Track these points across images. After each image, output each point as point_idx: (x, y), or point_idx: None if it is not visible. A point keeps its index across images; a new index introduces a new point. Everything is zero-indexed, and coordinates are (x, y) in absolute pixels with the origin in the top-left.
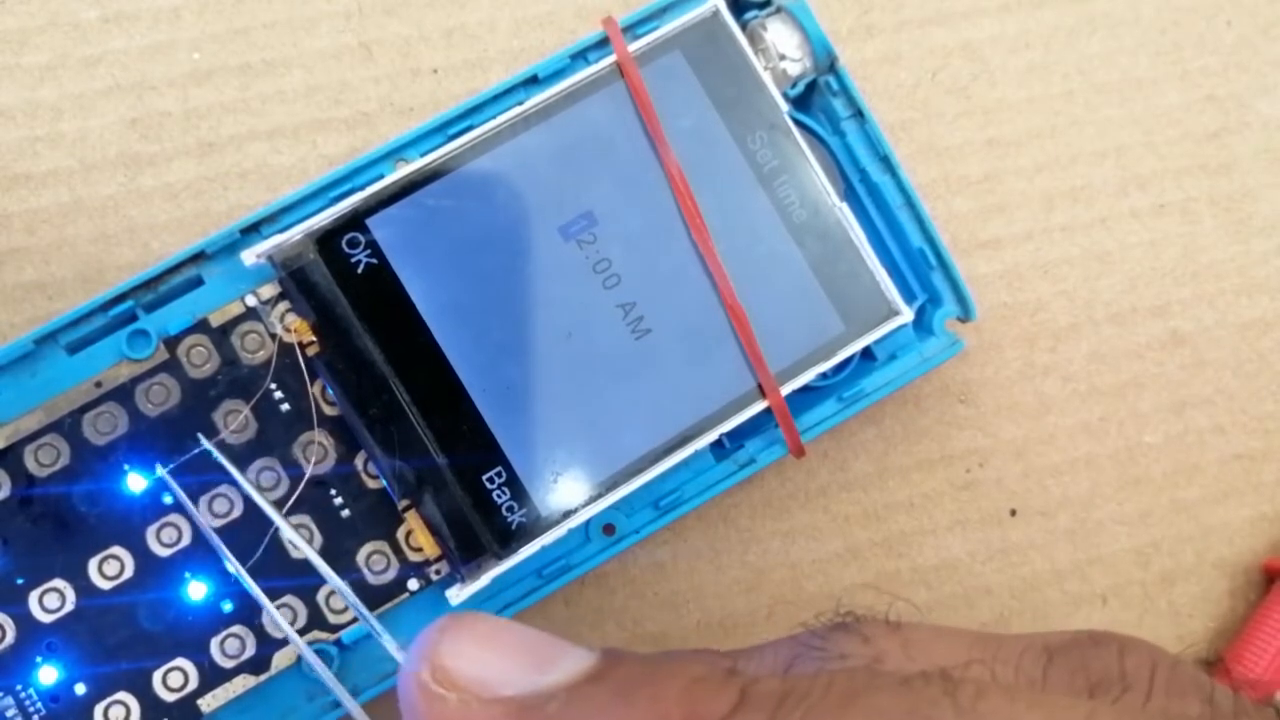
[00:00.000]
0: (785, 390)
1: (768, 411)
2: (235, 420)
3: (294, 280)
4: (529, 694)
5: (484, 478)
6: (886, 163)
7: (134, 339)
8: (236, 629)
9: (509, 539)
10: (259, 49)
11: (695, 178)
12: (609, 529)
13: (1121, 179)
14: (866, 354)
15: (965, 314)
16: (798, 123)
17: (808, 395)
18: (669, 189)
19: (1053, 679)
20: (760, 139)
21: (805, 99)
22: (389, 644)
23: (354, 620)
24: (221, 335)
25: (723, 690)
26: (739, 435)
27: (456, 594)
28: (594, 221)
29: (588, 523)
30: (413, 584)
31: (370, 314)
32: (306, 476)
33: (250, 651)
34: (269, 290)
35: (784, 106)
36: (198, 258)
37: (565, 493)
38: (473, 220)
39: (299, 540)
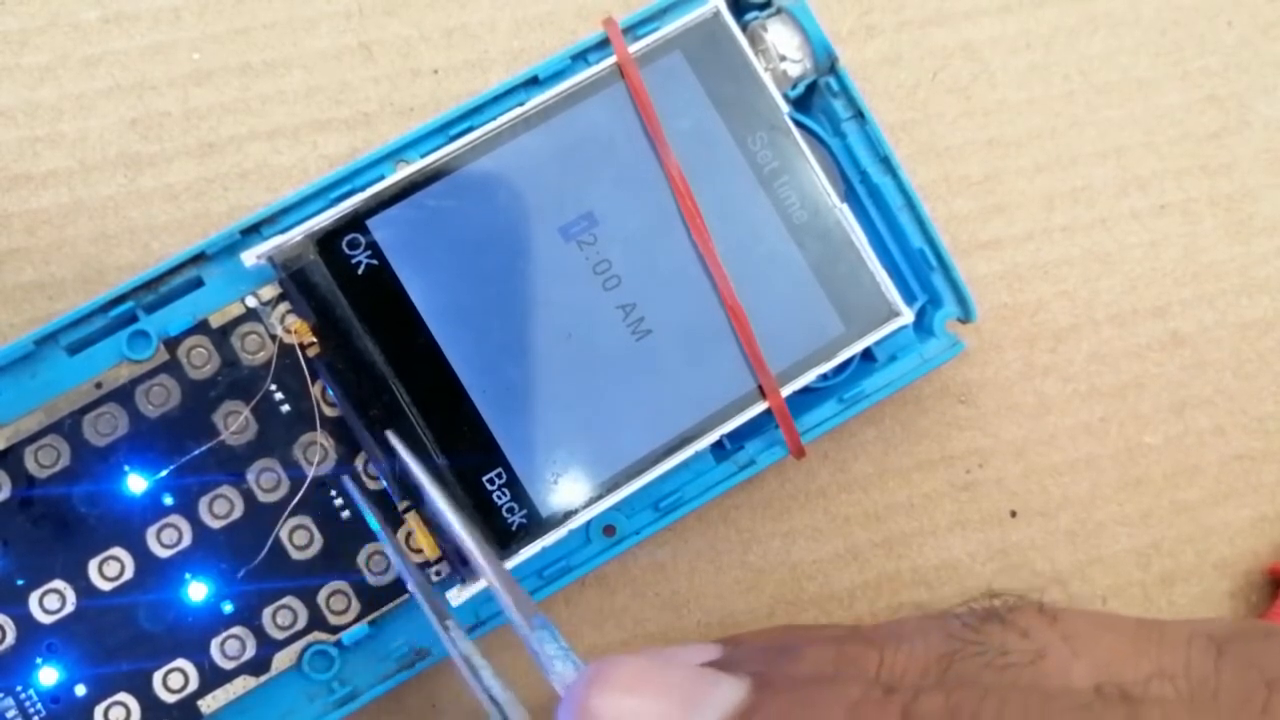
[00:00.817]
0: (785, 391)
1: (768, 412)
2: (235, 421)
3: (294, 281)
4: None
5: (484, 479)
6: (887, 163)
7: (134, 340)
8: (237, 630)
9: (509, 540)
10: (259, 49)
11: (695, 178)
12: (609, 530)
13: (1122, 179)
14: (867, 355)
15: (965, 315)
16: (798, 123)
17: (808, 396)
18: (669, 190)
19: (1226, 676)
20: (760, 140)
21: (805, 100)
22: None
23: (354, 620)
24: (222, 336)
25: (883, 715)
26: (739, 436)
27: (457, 595)
28: (594, 222)
29: (588, 524)
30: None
31: (370, 315)
32: (310, 478)
33: (250, 653)
34: (269, 291)
35: (784, 107)
36: (198, 259)
37: (565, 494)
38: (473, 221)
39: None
